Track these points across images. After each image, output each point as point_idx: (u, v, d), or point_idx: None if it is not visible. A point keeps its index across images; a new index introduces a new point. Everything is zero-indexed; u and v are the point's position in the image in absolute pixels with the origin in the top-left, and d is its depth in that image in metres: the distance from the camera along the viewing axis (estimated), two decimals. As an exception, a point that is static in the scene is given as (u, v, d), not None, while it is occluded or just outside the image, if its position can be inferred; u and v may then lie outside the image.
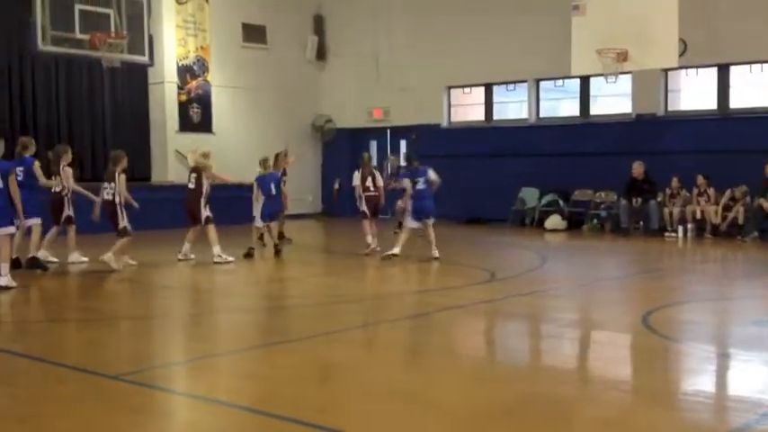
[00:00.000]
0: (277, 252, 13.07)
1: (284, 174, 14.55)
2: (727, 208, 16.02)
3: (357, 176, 13.54)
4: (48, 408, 5.03)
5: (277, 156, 14.49)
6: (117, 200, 11.13)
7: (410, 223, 12.52)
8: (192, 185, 12.48)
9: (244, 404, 5.12)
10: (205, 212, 12.38)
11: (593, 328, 8.05)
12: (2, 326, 8.25)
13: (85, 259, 11.89)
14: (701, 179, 16.39)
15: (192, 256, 12.43)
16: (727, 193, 16.08)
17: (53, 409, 4.99)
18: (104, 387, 5.49)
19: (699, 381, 5.87)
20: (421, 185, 12.45)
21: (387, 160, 16.74)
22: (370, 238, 13.08)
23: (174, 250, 12.47)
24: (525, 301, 9.16)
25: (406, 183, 12.69)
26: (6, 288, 9.50)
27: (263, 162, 13.69)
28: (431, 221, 12.49)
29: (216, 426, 4.76)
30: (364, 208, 13.26)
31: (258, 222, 13.39)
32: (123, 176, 11.24)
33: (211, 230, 12.35)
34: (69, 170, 11.88)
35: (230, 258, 12.27)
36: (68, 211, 11.81)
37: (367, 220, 13.23)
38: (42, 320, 8.42)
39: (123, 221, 11.19)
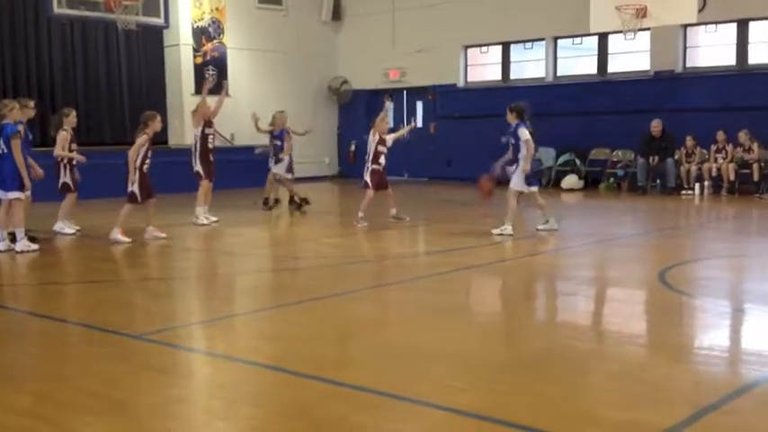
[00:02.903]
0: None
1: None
2: (744, 165, 15.99)
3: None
4: (71, 367, 5.13)
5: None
6: (130, 161, 10.45)
7: (524, 187, 10.79)
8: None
9: (264, 362, 5.20)
10: (195, 167, 12.35)
11: (609, 284, 8.09)
12: (24, 288, 8.37)
13: (71, 231, 11.34)
14: (720, 135, 16.31)
15: (213, 218, 12.54)
16: (739, 149, 16.10)
17: (77, 369, 5.09)
18: (128, 347, 5.58)
19: (715, 335, 5.90)
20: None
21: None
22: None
23: (190, 213, 12.55)
24: (541, 259, 9.20)
25: (527, 134, 10.75)
26: (24, 252, 9.63)
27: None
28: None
29: (237, 383, 4.84)
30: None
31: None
32: (144, 137, 10.53)
33: (201, 187, 12.33)
34: (63, 134, 11.16)
35: (204, 221, 12.27)
36: (64, 177, 11.24)
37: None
38: (64, 282, 8.53)
39: (131, 186, 10.49)
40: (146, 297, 7.63)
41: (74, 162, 11.37)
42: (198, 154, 12.26)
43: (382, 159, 12.16)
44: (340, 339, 5.94)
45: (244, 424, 4.16)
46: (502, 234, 10.53)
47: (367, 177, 12.10)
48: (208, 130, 12.38)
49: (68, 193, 11.37)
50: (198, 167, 12.27)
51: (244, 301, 7.57)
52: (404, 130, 13.11)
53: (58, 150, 11.16)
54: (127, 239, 10.47)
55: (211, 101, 12.88)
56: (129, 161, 10.47)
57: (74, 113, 11.53)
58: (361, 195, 12.14)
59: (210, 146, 12.42)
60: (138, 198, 10.52)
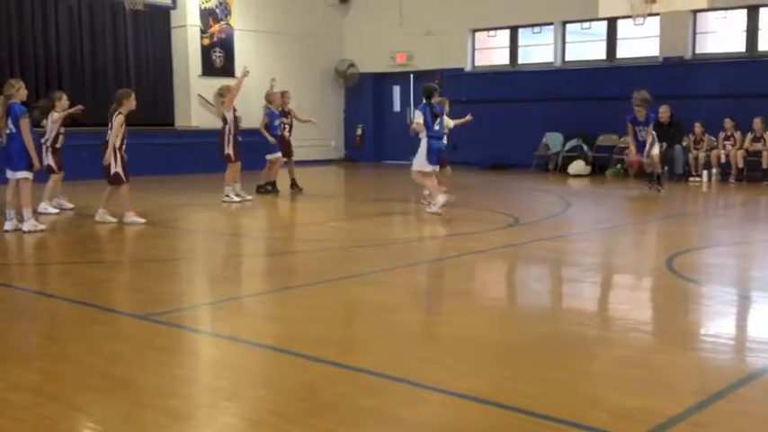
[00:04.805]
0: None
1: (285, 115, 14.24)
2: (754, 153, 15.92)
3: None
4: (78, 346, 5.13)
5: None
6: (110, 143, 10.32)
7: (426, 166, 10.94)
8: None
9: (268, 343, 5.20)
10: (227, 149, 12.69)
11: (616, 271, 8.06)
12: (30, 268, 8.40)
13: (54, 211, 11.46)
14: (728, 122, 16.23)
15: (248, 196, 12.99)
16: (749, 135, 16.00)
17: (83, 348, 5.08)
18: (134, 327, 5.59)
19: (721, 323, 5.88)
20: (437, 125, 10.93)
21: None
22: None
23: (197, 194, 12.60)
24: (548, 245, 9.17)
25: (419, 117, 10.88)
26: (32, 232, 9.63)
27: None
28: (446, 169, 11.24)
29: (243, 364, 4.84)
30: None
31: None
32: (120, 118, 10.31)
33: (229, 169, 12.68)
34: (55, 115, 11.47)
35: (236, 199, 12.59)
36: (47, 159, 11.37)
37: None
38: (70, 262, 8.54)
39: (115, 167, 10.39)
40: (152, 278, 7.63)
41: (57, 145, 11.59)
42: (231, 137, 12.69)
43: (446, 140, 12.14)
44: (347, 322, 5.94)
45: (250, 405, 4.15)
46: (434, 211, 10.71)
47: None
48: (237, 114, 12.84)
49: (52, 174, 11.54)
50: (229, 150, 12.69)
51: (250, 283, 7.57)
52: (461, 121, 12.68)
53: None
54: (141, 220, 10.49)
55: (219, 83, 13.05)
56: (108, 143, 10.33)
57: (65, 97, 11.78)
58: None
59: (239, 128, 12.93)
60: (124, 177, 10.43)
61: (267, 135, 13.67)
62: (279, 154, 13.78)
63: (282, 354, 4.97)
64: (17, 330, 5.74)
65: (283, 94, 14.31)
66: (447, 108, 12.33)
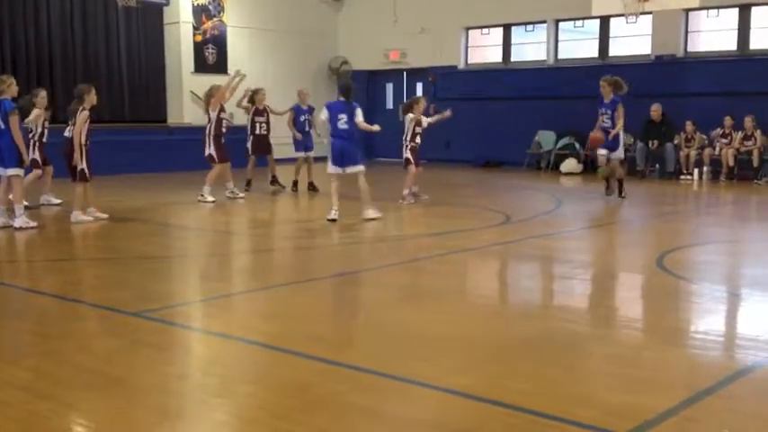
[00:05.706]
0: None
1: (259, 114, 14.18)
2: (744, 152, 15.97)
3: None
4: (69, 344, 5.13)
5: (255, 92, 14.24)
6: (75, 139, 10.18)
7: (330, 168, 10.59)
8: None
9: (260, 340, 5.20)
10: (207, 150, 12.60)
11: (607, 269, 8.09)
12: (22, 265, 8.39)
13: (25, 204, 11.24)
14: (728, 120, 16.24)
15: (240, 193, 13.05)
16: (740, 133, 16.05)
17: (75, 345, 5.09)
18: (125, 324, 5.59)
19: (711, 320, 5.92)
20: (343, 125, 10.40)
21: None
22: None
23: (189, 191, 12.56)
24: (539, 243, 9.19)
25: (323, 115, 10.59)
26: (23, 228, 9.61)
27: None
28: (356, 170, 10.53)
29: (234, 361, 4.85)
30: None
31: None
32: (84, 114, 10.17)
33: (213, 168, 12.59)
34: (37, 112, 11.16)
35: (210, 199, 12.37)
36: (32, 154, 11.21)
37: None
38: (62, 259, 8.53)
39: (80, 164, 10.24)
40: (144, 275, 7.62)
41: (43, 140, 11.52)
42: (212, 137, 12.59)
43: (419, 139, 12.47)
44: (337, 320, 5.95)
45: (241, 402, 4.16)
46: (332, 217, 10.39)
47: (408, 155, 12.38)
48: (223, 114, 12.75)
49: (35, 170, 11.44)
50: (211, 151, 12.60)
51: (241, 280, 7.58)
52: (437, 117, 12.96)
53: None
54: (88, 218, 10.45)
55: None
56: (74, 140, 10.20)
57: (43, 93, 11.42)
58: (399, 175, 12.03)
59: (224, 129, 12.79)
60: (88, 175, 10.35)
61: (295, 131, 14.01)
62: (302, 153, 14.29)
63: (274, 351, 4.98)
64: (9, 328, 5.73)
65: (257, 91, 14.21)
66: (421, 105, 12.49)
